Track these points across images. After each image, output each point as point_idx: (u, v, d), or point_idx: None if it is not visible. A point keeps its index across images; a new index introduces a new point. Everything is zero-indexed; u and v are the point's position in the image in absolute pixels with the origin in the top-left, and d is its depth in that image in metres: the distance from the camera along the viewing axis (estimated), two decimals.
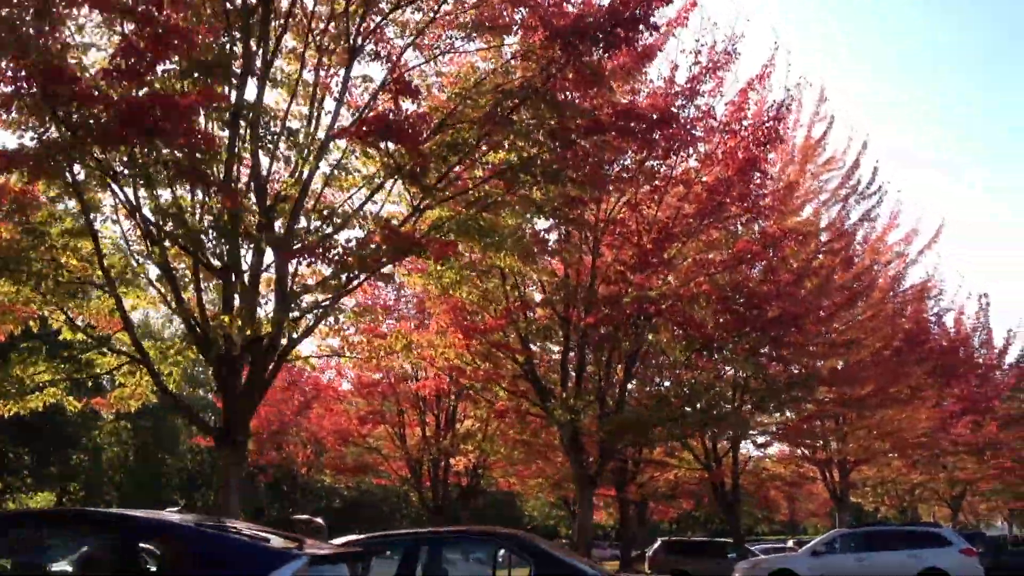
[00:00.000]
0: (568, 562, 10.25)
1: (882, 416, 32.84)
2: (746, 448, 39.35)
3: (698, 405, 22.96)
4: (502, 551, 10.30)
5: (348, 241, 14.44)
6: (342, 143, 15.47)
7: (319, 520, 34.88)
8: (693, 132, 22.06)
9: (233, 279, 15.06)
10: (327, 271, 14.65)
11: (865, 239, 32.34)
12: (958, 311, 44.26)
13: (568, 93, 15.00)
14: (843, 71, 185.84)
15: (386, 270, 16.16)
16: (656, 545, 41.27)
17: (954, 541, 25.18)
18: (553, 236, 23.49)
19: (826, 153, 31.28)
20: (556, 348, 25.32)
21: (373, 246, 13.65)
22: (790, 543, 47.51)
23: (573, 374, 23.91)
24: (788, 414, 31.60)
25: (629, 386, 26.16)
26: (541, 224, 23.01)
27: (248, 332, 14.02)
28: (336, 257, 14.13)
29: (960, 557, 24.70)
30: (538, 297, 24.38)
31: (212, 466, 58.43)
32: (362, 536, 11.14)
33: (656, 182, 22.64)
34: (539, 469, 39.83)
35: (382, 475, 42.87)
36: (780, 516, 76.62)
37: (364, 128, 13.22)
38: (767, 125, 22.18)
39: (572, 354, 23.96)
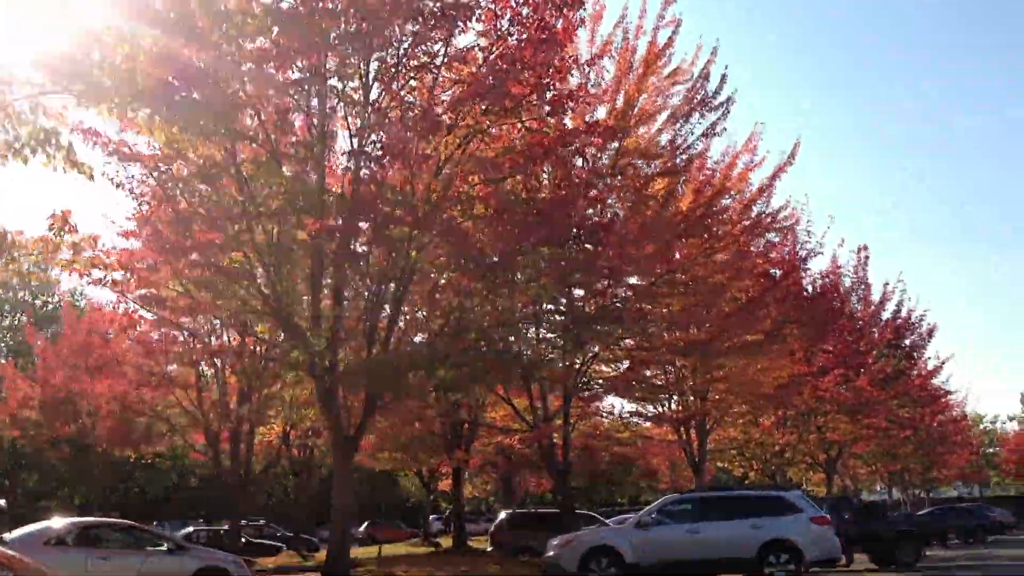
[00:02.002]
0: None
1: (733, 367, 28.32)
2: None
3: (476, 342, 17.75)
4: None
5: None
6: None
7: None
8: None
9: None
10: None
11: (725, 172, 27.66)
12: (832, 261, 40.40)
13: None
14: None
15: None
16: (499, 519, 36.30)
17: (804, 507, 20.54)
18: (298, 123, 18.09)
19: (672, 64, 26.37)
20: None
21: None
22: None
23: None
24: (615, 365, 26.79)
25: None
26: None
27: None
28: None
29: (810, 526, 20.17)
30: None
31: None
32: None
33: (438, 60, 17.51)
34: (377, 440, 34.66)
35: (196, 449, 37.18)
36: (663, 484, 72.88)
37: None
38: None
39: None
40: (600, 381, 27.09)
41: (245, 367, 22.42)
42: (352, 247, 17.03)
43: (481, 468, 51.71)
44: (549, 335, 21.49)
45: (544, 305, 19.12)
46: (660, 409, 30.61)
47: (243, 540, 40.88)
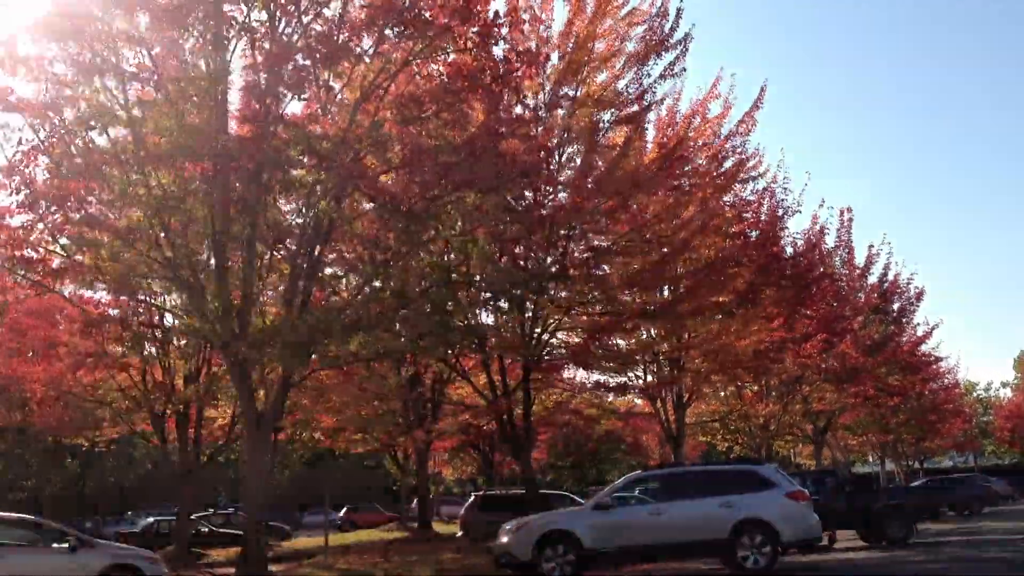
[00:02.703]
0: None
1: (705, 331, 26.05)
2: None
3: (397, 305, 15.36)
4: None
5: None
6: None
7: None
8: None
9: None
10: None
11: (688, 120, 25.31)
12: (812, 220, 38.14)
13: None
14: None
15: None
16: (469, 501, 34.10)
17: (779, 482, 18.28)
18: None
19: (630, 4, 23.96)
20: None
21: None
22: None
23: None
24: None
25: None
26: None
27: None
28: None
29: (786, 503, 17.93)
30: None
31: None
32: None
33: None
34: (339, 420, 32.47)
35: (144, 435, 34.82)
36: (652, 461, 71.08)
37: None
38: None
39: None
40: (563, 350, 24.71)
41: (136, 337, 19.76)
42: (254, 195, 14.66)
43: (460, 448, 49.56)
44: (486, 295, 18.75)
45: (475, 261, 16.65)
46: (630, 379, 28.01)
47: (207, 530, 38.86)
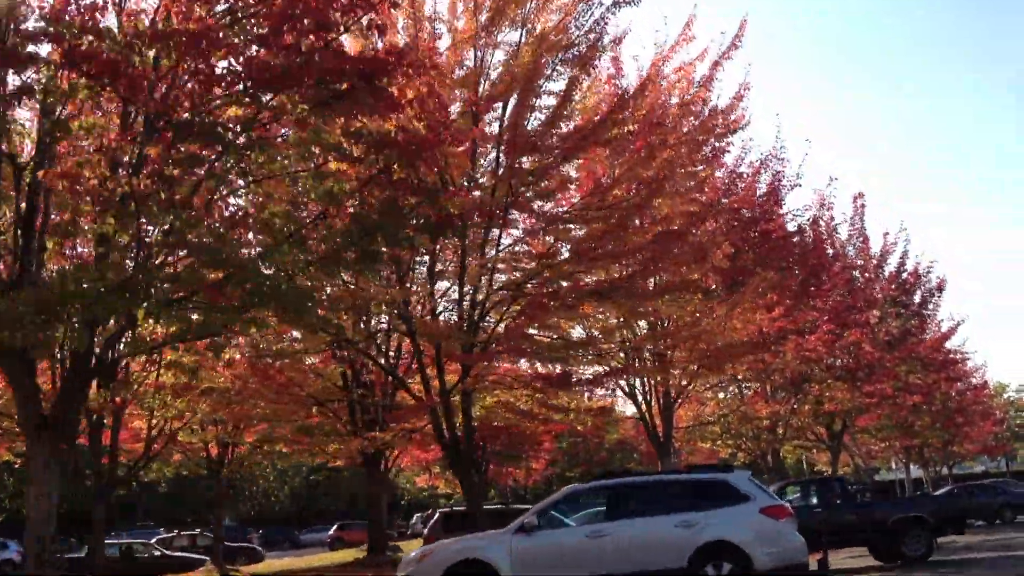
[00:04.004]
0: None
1: (678, 315, 21.82)
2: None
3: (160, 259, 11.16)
4: None
5: None
6: None
7: None
8: None
9: None
10: None
11: (656, 64, 21.33)
12: (818, 198, 33.97)
13: None
14: None
15: None
16: (433, 519, 30.10)
17: (752, 494, 14.04)
18: None
19: None
20: None
21: None
22: None
23: None
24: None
25: None
26: None
27: None
28: None
29: (761, 520, 13.76)
30: None
31: None
32: None
33: None
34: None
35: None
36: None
37: None
38: None
39: None
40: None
41: None
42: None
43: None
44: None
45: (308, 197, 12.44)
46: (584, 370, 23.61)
47: (159, 554, 35.38)
